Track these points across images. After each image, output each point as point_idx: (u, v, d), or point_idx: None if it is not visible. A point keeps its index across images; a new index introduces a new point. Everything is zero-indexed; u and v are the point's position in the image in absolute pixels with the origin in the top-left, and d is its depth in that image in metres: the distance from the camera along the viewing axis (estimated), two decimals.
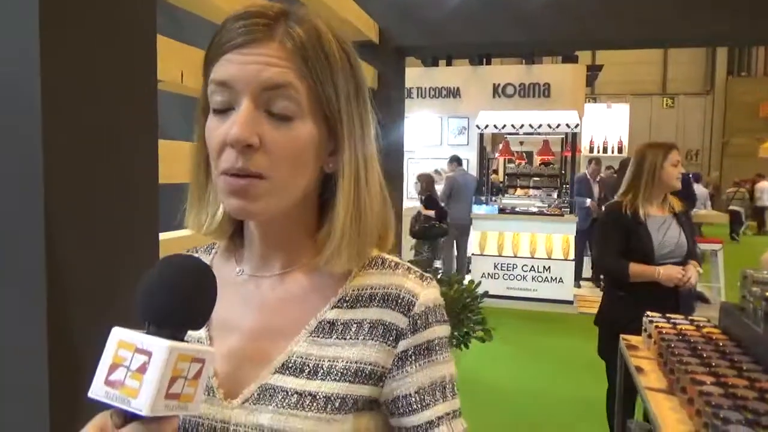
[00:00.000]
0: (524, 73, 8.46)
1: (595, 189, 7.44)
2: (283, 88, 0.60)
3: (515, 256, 6.70)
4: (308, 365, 0.64)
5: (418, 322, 0.65)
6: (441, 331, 0.67)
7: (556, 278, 6.54)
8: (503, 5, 2.94)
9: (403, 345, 0.65)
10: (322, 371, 0.63)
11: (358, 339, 0.64)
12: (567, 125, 7.38)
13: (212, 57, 0.62)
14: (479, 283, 4.21)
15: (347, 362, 0.64)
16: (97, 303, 0.96)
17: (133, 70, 1.07)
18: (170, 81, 1.35)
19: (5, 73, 0.84)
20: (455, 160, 7.44)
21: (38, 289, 0.85)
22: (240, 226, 0.73)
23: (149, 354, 0.50)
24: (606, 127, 11.05)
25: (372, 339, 0.64)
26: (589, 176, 7.49)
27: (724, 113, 19.64)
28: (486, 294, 4.20)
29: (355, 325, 0.65)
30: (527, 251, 6.69)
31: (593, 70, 9.95)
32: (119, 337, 0.52)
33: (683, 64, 19.69)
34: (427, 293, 0.67)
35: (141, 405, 0.49)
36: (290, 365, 0.64)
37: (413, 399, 0.64)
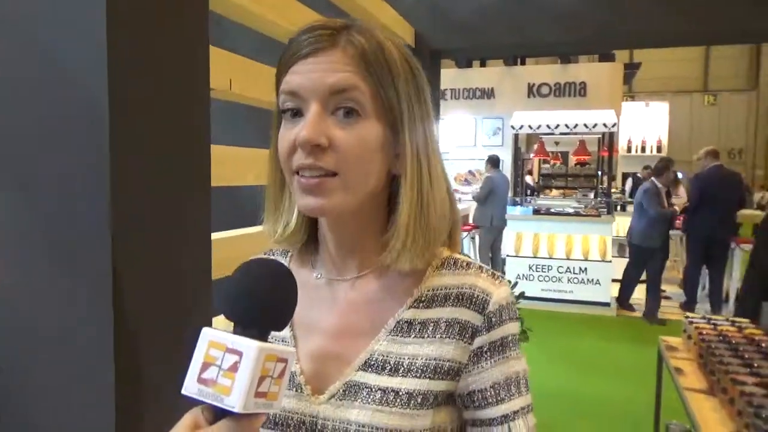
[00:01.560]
0: (559, 73, 8.38)
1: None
2: (348, 90, 0.63)
3: (550, 258, 6.64)
4: (389, 362, 0.67)
5: (493, 319, 0.68)
6: (513, 327, 0.70)
7: (592, 280, 6.45)
8: (538, 4, 2.95)
9: (478, 342, 0.67)
10: (402, 368, 0.67)
11: (435, 337, 0.67)
12: (604, 125, 7.27)
13: (281, 70, 0.67)
14: (516, 284, 4.20)
15: (426, 359, 0.67)
16: (157, 301, 1.02)
17: (189, 78, 1.14)
18: (220, 89, 1.42)
19: (77, 84, 0.91)
20: (493, 161, 7.30)
21: (106, 288, 0.90)
22: (312, 234, 0.76)
23: (240, 354, 0.52)
24: (644, 126, 10.84)
25: (449, 337, 0.67)
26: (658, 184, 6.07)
27: None
28: (522, 295, 4.19)
29: (432, 324, 0.68)
30: (563, 252, 6.61)
31: (631, 68, 9.78)
32: (210, 337, 0.54)
33: (726, 59, 19.10)
34: (500, 291, 0.69)
35: (234, 402, 0.51)
36: (372, 363, 0.68)
37: (488, 393, 0.67)
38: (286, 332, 0.74)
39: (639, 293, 6.32)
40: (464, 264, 0.72)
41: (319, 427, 0.67)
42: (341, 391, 0.68)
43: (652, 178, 6.18)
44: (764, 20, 2.93)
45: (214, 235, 1.29)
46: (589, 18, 2.91)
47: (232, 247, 1.45)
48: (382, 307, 0.70)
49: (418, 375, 0.66)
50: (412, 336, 0.68)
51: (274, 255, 0.84)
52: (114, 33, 0.90)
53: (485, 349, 0.67)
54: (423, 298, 0.70)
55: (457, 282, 0.70)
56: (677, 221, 6.65)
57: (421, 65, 0.72)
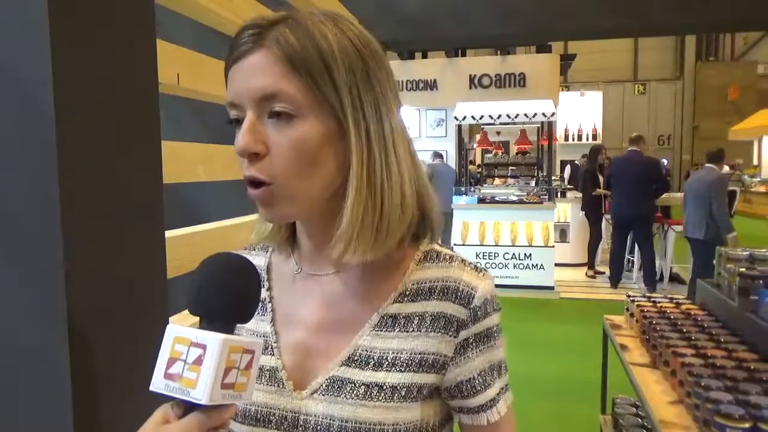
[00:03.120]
0: (499, 64, 8.54)
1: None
2: (276, 94, 0.61)
3: (497, 245, 6.81)
4: (373, 358, 0.66)
5: (478, 313, 0.68)
6: (497, 318, 0.71)
7: (537, 265, 6.66)
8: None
9: (464, 335, 0.67)
10: (387, 363, 0.66)
11: (420, 331, 0.67)
12: (543, 114, 7.49)
13: (225, 77, 0.66)
14: None
15: (411, 353, 0.66)
16: (110, 299, 0.99)
17: (137, 73, 1.10)
18: (167, 83, 1.38)
19: (20, 81, 0.87)
20: (436, 154, 7.59)
21: (57, 287, 0.87)
22: (293, 230, 0.76)
23: (204, 347, 0.53)
24: (580, 115, 11.21)
25: (434, 330, 0.67)
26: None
27: (694, 98, 20.04)
28: None
29: (417, 318, 0.67)
30: (508, 239, 6.80)
31: (566, 59, 10.08)
32: (175, 333, 0.55)
33: (653, 50, 20.02)
34: (484, 285, 0.69)
35: (200, 394, 0.52)
36: (356, 358, 0.67)
37: (477, 381, 0.68)
38: (267, 327, 0.73)
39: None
40: (447, 257, 0.72)
41: (301, 423, 0.67)
42: (324, 386, 0.67)
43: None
44: (687, 14, 3.09)
45: (169, 233, 1.26)
46: (528, 12, 3.00)
47: (187, 244, 1.42)
48: (366, 301, 0.70)
49: (402, 369, 0.66)
50: (397, 330, 0.67)
51: (255, 249, 0.83)
52: (57, 28, 0.86)
53: (471, 340, 0.68)
54: (407, 292, 0.69)
55: (442, 275, 0.70)
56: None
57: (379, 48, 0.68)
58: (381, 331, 0.68)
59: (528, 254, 6.69)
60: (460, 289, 0.68)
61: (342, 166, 0.65)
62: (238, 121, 0.64)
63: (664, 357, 1.88)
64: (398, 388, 0.65)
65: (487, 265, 6.76)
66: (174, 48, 1.43)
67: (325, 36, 0.63)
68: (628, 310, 2.51)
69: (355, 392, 0.65)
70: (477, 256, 6.78)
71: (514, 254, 6.73)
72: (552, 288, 6.60)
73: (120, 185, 1.05)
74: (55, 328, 0.87)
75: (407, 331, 0.67)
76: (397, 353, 0.66)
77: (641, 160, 6.38)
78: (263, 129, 0.62)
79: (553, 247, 6.77)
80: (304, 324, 0.71)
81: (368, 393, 0.65)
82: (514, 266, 6.73)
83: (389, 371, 0.66)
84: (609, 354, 2.60)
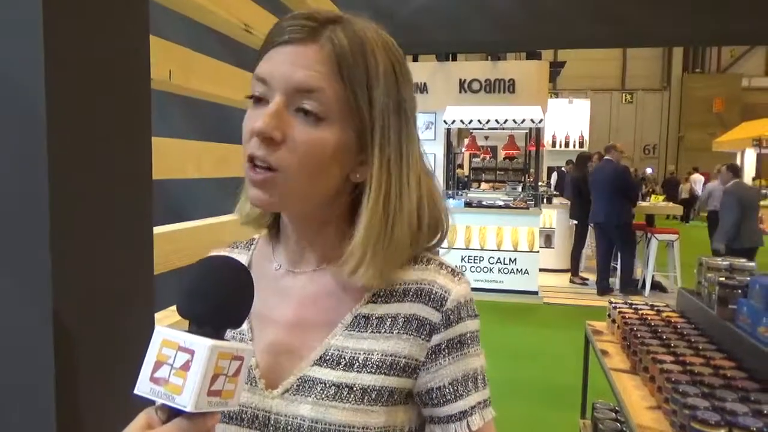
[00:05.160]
0: (489, 69, 8.61)
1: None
2: (314, 92, 0.61)
3: (482, 249, 6.85)
4: (344, 358, 0.66)
5: (451, 317, 0.66)
6: (472, 325, 0.69)
7: (521, 270, 6.71)
8: (473, 4, 3.03)
9: (436, 339, 0.66)
10: (357, 364, 0.65)
11: (392, 333, 0.66)
12: (531, 120, 7.55)
13: (261, 53, 0.66)
14: None
15: (382, 355, 0.65)
16: (97, 296, 0.99)
17: (129, 68, 1.10)
18: (159, 79, 1.38)
19: (12, 76, 0.87)
20: None
21: (44, 283, 0.87)
22: (278, 220, 0.75)
23: (192, 352, 0.52)
24: (568, 122, 11.33)
25: (406, 333, 0.66)
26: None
27: (679, 108, 20.31)
28: None
29: (389, 319, 0.67)
30: (494, 244, 6.84)
31: (556, 67, 10.19)
32: (163, 335, 0.53)
33: (641, 60, 20.26)
34: (459, 289, 0.68)
35: (185, 401, 0.51)
36: (327, 358, 0.66)
37: (447, 390, 0.66)
38: (243, 324, 0.71)
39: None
40: (424, 259, 0.71)
41: (271, 422, 0.66)
42: (295, 386, 0.66)
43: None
44: (673, 26, 3.14)
45: (156, 229, 1.26)
46: (518, 19, 3.03)
47: (174, 241, 1.42)
48: (340, 302, 0.69)
49: (373, 371, 0.65)
50: (369, 331, 0.67)
51: (237, 247, 0.82)
52: (51, 24, 0.86)
53: (443, 346, 0.66)
54: (381, 293, 0.68)
55: (417, 278, 0.68)
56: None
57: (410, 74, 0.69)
58: (354, 331, 0.67)
59: (513, 259, 6.74)
60: (434, 291, 0.67)
61: (344, 178, 0.66)
62: (259, 100, 0.64)
63: (643, 363, 1.91)
64: (368, 390, 0.64)
65: (472, 269, 6.80)
66: (167, 44, 1.43)
67: (374, 52, 0.64)
68: (609, 316, 2.55)
69: (325, 393, 0.65)
70: (462, 259, 6.82)
71: (499, 259, 6.77)
72: (536, 293, 6.65)
73: (110, 180, 1.04)
74: (40, 323, 0.87)
75: (379, 332, 0.66)
76: (368, 354, 0.66)
77: (612, 168, 6.56)
78: (287, 118, 0.62)
79: (538, 252, 6.82)
80: (278, 322, 0.71)
81: (338, 394, 0.64)
82: (499, 270, 6.77)
83: (360, 372, 0.65)
84: (590, 359, 2.63)
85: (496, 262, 6.78)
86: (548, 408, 3.69)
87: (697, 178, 16.02)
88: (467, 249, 6.87)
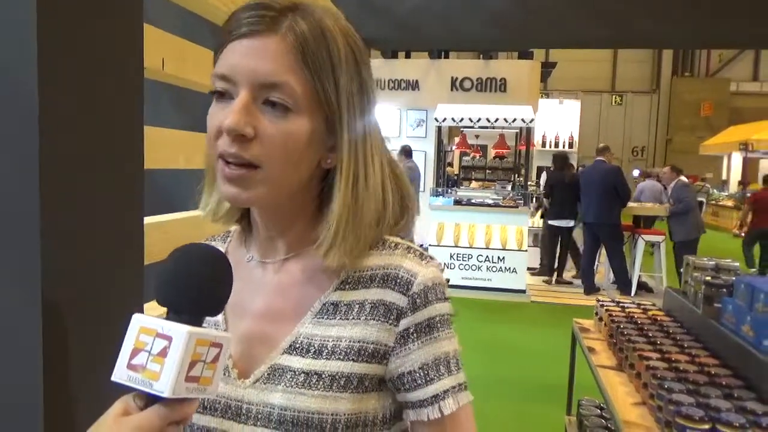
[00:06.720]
0: (481, 68, 8.63)
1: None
2: (280, 85, 0.61)
3: (471, 247, 6.87)
4: (313, 345, 0.66)
5: (418, 300, 0.66)
6: (442, 308, 0.68)
7: (510, 268, 6.75)
8: (466, 2, 3.03)
9: (404, 323, 0.66)
10: (326, 351, 0.65)
11: (360, 319, 0.66)
12: (522, 120, 7.59)
13: (219, 45, 0.64)
14: (442, 270, 4.32)
15: (350, 341, 0.65)
16: (87, 287, 0.98)
17: (122, 57, 1.10)
18: (152, 68, 1.37)
19: (3, 63, 0.86)
20: (406, 151, 7.42)
21: (34, 273, 0.86)
22: (248, 214, 0.75)
23: (169, 339, 0.52)
24: (558, 123, 11.38)
25: (374, 318, 0.66)
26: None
27: (668, 111, 20.48)
28: (448, 282, 4.32)
29: (357, 306, 0.67)
30: (482, 242, 6.87)
31: (547, 67, 10.23)
32: (140, 323, 0.53)
33: (631, 62, 20.40)
34: (426, 272, 0.68)
35: (163, 387, 0.51)
36: (297, 346, 0.67)
37: (418, 375, 0.66)
38: (218, 315, 0.72)
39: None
40: (392, 244, 0.71)
41: (244, 411, 0.67)
42: (266, 374, 0.67)
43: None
44: (664, 29, 3.17)
45: (147, 220, 1.25)
46: (511, 19, 3.04)
47: (164, 231, 1.41)
48: (309, 289, 0.69)
49: (341, 357, 0.65)
50: (338, 318, 0.67)
51: (215, 240, 0.83)
52: (44, 12, 0.86)
53: (411, 330, 0.66)
54: (350, 280, 0.68)
55: (384, 263, 0.69)
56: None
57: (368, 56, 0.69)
58: (322, 318, 0.67)
59: (501, 257, 6.77)
60: (400, 276, 0.67)
61: (316, 165, 0.67)
62: (222, 95, 0.63)
63: (630, 360, 1.93)
64: (337, 377, 0.65)
65: (461, 267, 6.82)
66: (160, 33, 1.42)
67: (335, 39, 0.64)
68: (597, 314, 2.57)
69: (294, 380, 0.65)
70: (451, 257, 6.84)
71: (487, 257, 6.80)
72: (524, 291, 6.69)
73: (101, 171, 1.04)
74: (29, 312, 0.86)
75: (347, 319, 0.67)
76: (337, 341, 0.66)
77: (604, 168, 6.62)
78: (255, 112, 0.62)
79: (527, 251, 6.86)
80: (251, 312, 0.71)
81: (307, 381, 0.65)
82: (487, 269, 6.80)
83: (328, 359, 0.65)
84: (577, 356, 2.66)
85: (485, 260, 6.80)
86: (535, 405, 3.72)
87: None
88: (456, 247, 6.89)
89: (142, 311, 1.17)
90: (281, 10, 0.63)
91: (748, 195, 10.05)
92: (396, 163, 0.74)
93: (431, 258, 0.71)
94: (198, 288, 0.56)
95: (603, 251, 6.92)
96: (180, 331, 0.52)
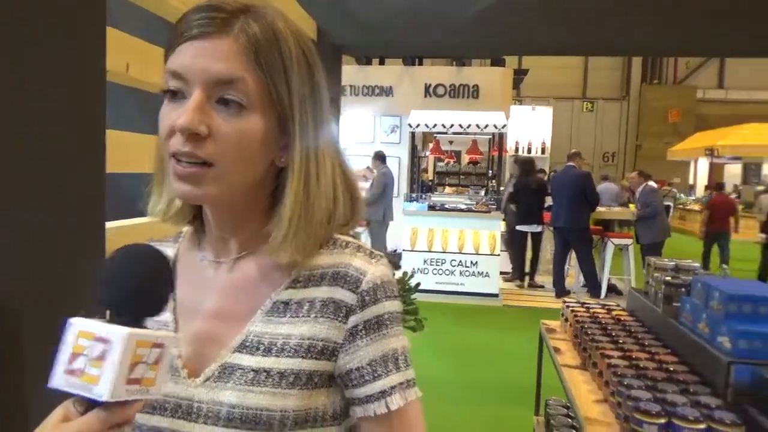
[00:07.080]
0: (454, 75, 8.73)
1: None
2: (234, 83, 0.62)
3: (444, 252, 6.92)
4: (263, 343, 0.67)
5: (366, 298, 0.67)
6: (390, 305, 0.69)
7: (482, 273, 6.80)
8: (437, 10, 3.08)
9: (353, 320, 0.67)
10: (276, 348, 0.66)
11: (309, 317, 0.67)
12: (495, 126, 7.67)
13: (170, 46, 0.65)
14: (412, 275, 4.35)
15: (300, 339, 0.66)
16: (46, 291, 0.98)
17: (83, 59, 1.10)
18: (116, 71, 1.37)
19: None
20: (380, 157, 7.48)
21: None
22: (200, 214, 0.75)
23: (108, 341, 0.51)
24: (530, 129, 11.54)
25: (323, 316, 0.67)
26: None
27: (638, 118, 20.91)
28: (417, 287, 4.34)
29: (307, 304, 0.68)
30: (456, 246, 6.92)
31: (519, 74, 10.40)
32: (79, 327, 0.52)
33: (602, 70, 20.78)
34: (375, 270, 0.69)
35: (102, 391, 0.50)
36: (247, 344, 0.67)
37: (365, 371, 0.67)
38: (167, 316, 0.72)
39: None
40: (343, 243, 0.72)
41: (194, 410, 0.67)
42: (216, 373, 0.67)
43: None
44: (632, 36, 3.25)
45: (108, 224, 1.25)
46: (484, 25, 3.09)
47: (126, 235, 1.41)
48: (260, 288, 0.70)
49: (290, 354, 0.66)
50: (288, 316, 0.68)
51: (167, 241, 0.83)
52: (2, 11, 0.86)
53: (360, 327, 0.67)
54: (300, 278, 0.69)
55: (334, 261, 0.70)
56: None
57: (320, 59, 0.70)
58: (273, 316, 0.68)
59: (474, 262, 6.83)
60: (350, 274, 0.69)
61: (269, 164, 0.68)
62: (175, 94, 0.64)
63: (593, 359, 1.98)
64: (286, 374, 0.65)
65: (434, 272, 6.86)
66: (125, 36, 1.42)
67: (287, 41, 0.65)
68: (563, 315, 2.62)
69: (243, 378, 0.66)
70: (425, 262, 6.88)
71: (460, 261, 6.85)
72: (496, 295, 6.75)
73: (61, 174, 1.03)
74: None
75: (297, 317, 0.68)
76: (287, 339, 0.67)
77: (575, 173, 6.76)
78: (209, 111, 0.62)
79: (499, 255, 6.93)
80: (202, 312, 0.72)
81: (256, 379, 0.65)
82: (461, 273, 6.85)
83: (278, 357, 0.66)
84: (544, 357, 2.70)
85: (458, 264, 6.85)
86: (506, 407, 3.76)
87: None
88: (429, 252, 6.93)
89: (104, 316, 1.17)
90: (233, 12, 0.64)
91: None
92: (347, 164, 0.75)
93: (381, 256, 0.72)
94: (133, 288, 0.56)
95: (573, 255, 7.04)
96: (119, 333, 0.51)
